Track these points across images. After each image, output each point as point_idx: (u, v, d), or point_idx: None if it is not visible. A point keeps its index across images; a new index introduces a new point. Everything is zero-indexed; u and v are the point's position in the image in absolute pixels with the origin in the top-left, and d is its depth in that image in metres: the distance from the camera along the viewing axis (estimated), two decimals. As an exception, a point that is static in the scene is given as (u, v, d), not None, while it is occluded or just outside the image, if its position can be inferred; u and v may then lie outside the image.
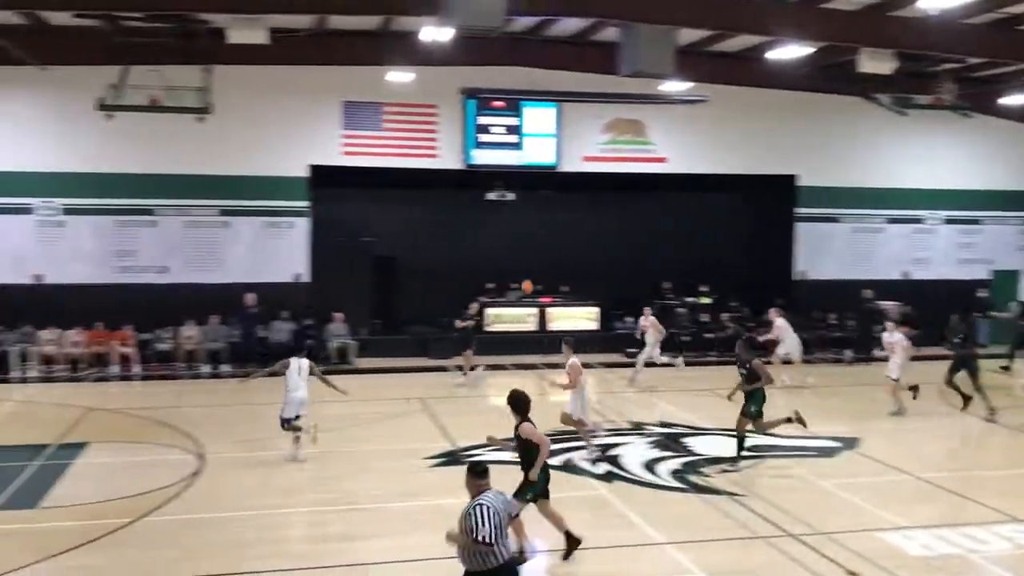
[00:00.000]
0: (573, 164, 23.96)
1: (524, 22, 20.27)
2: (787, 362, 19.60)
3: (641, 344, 20.02)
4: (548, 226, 24.41)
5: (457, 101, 22.78)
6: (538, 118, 23.60)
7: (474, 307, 20.50)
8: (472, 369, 19.69)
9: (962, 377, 16.72)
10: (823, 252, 25.31)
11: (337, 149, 22.40)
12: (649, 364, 19.69)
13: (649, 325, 19.78)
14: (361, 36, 20.81)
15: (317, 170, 22.29)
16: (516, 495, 8.99)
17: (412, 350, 22.38)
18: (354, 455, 13.85)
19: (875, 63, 18.74)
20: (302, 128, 22.17)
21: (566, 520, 9.63)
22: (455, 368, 20.21)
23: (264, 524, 10.70)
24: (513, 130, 23.53)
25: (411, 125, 22.84)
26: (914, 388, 16.53)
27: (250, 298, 21.04)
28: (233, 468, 13.01)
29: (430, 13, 15.60)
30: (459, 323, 19.99)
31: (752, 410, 13.03)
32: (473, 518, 6.92)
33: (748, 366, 13.06)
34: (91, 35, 18.54)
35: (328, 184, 22.34)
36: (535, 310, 23.86)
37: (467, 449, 13.88)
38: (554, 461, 13.30)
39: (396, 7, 17.64)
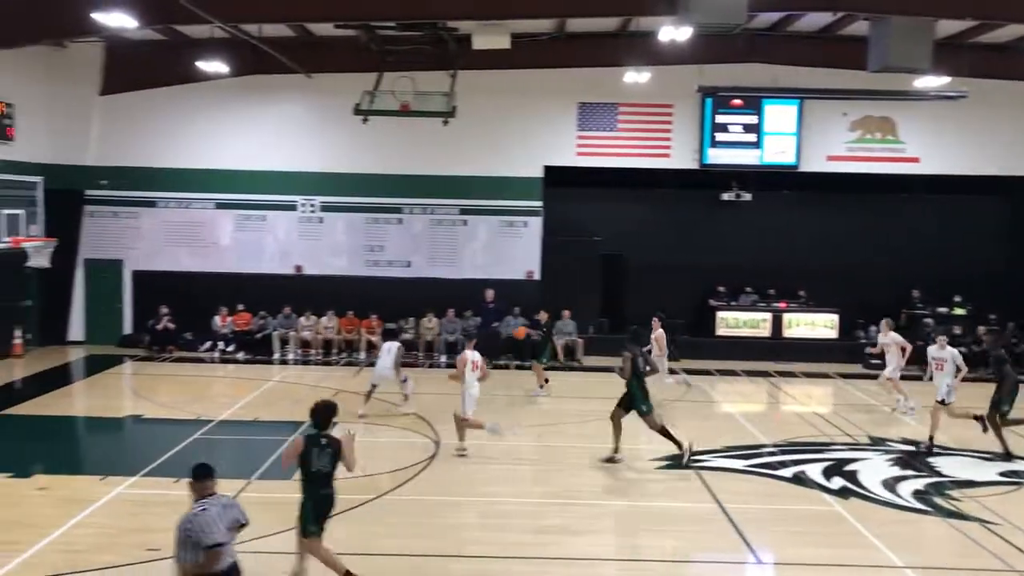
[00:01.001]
0: (815, 164, 22.99)
1: (766, 18, 19.68)
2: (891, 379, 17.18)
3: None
4: (786, 228, 23.52)
5: (694, 100, 22.48)
6: (779, 116, 22.85)
7: (543, 316, 19.28)
8: (545, 383, 18.05)
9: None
10: (1102, 261, 22.74)
11: (571, 150, 22.79)
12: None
13: (659, 336, 17.71)
14: (598, 38, 21.03)
15: (551, 170, 22.78)
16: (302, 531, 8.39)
17: (639, 350, 22.24)
18: (577, 451, 14.03)
19: None
20: (538, 129, 22.74)
21: (342, 562, 8.50)
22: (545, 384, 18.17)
23: (487, 511, 11.09)
24: (752, 129, 22.92)
25: (645, 125, 22.81)
26: (980, 419, 14.01)
27: (489, 294, 21.98)
28: (464, 456, 13.57)
29: (670, 13, 15.49)
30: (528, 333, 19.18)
31: (641, 408, 12.89)
32: (199, 522, 6.69)
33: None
34: (350, 44, 19.96)
35: (560, 184, 22.78)
36: (769, 315, 23.08)
37: (694, 454, 13.67)
38: (784, 473, 12.90)
39: (637, 8, 17.66)
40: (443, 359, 21.99)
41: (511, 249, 23.02)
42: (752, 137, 22.94)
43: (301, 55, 20.72)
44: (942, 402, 14.17)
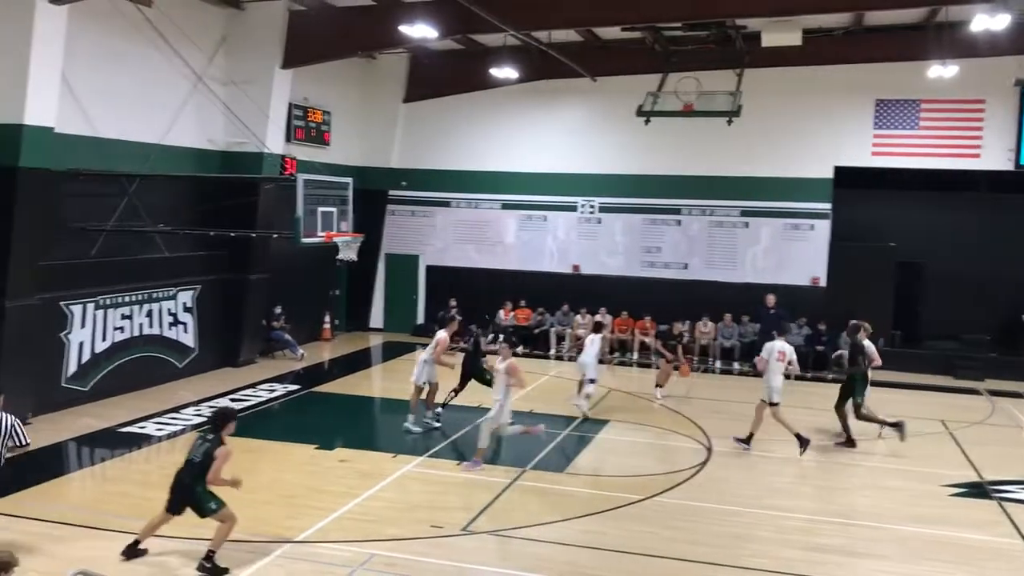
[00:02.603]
0: None
1: (1103, 0, 17.39)
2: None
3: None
4: (1120, 238, 20.71)
5: (1010, 94, 20.43)
6: (1116, 111, 20.14)
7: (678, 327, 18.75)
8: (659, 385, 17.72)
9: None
10: None
11: (867, 149, 21.48)
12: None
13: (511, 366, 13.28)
14: (899, 31, 19.64)
15: (842, 171, 21.61)
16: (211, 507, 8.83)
17: (934, 367, 20.61)
18: (861, 470, 13.27)
19: None
20: (829, 128, 21.65)
21: (147, 535, 9.01)
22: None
23: (761, 523, 10.75)
24: (1081, 125, 20.39)
25: (951, 123, 21.00)
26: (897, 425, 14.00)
27: (771, 299, 21.19)
28: (737, 463, 13.28)
29: (985, 0, 14.18)
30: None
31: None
32: None
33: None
34: (634, 47, 20.10)
35: (851, 185, 21.55)
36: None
37: (996, 483, 12.46)
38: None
39: (946, -3, 16.30)
40: (717, 364, 21.62)
41: (796, 253, 22.09)
42: (1081, 134, 20.42)
43: (586, 59, 21.17)
44: (767, 401, 13.85)
